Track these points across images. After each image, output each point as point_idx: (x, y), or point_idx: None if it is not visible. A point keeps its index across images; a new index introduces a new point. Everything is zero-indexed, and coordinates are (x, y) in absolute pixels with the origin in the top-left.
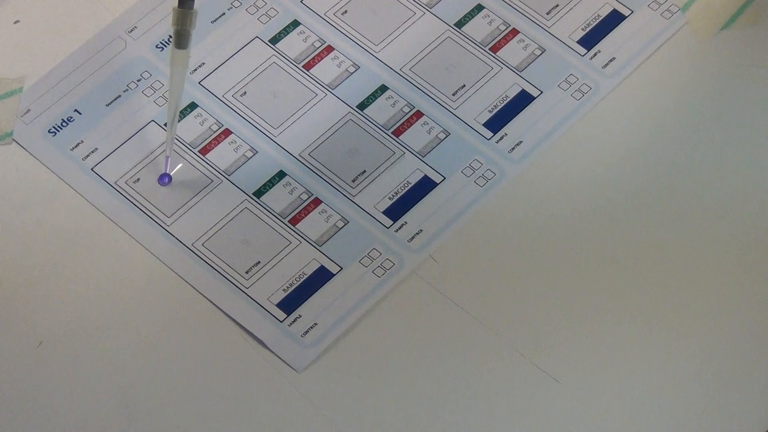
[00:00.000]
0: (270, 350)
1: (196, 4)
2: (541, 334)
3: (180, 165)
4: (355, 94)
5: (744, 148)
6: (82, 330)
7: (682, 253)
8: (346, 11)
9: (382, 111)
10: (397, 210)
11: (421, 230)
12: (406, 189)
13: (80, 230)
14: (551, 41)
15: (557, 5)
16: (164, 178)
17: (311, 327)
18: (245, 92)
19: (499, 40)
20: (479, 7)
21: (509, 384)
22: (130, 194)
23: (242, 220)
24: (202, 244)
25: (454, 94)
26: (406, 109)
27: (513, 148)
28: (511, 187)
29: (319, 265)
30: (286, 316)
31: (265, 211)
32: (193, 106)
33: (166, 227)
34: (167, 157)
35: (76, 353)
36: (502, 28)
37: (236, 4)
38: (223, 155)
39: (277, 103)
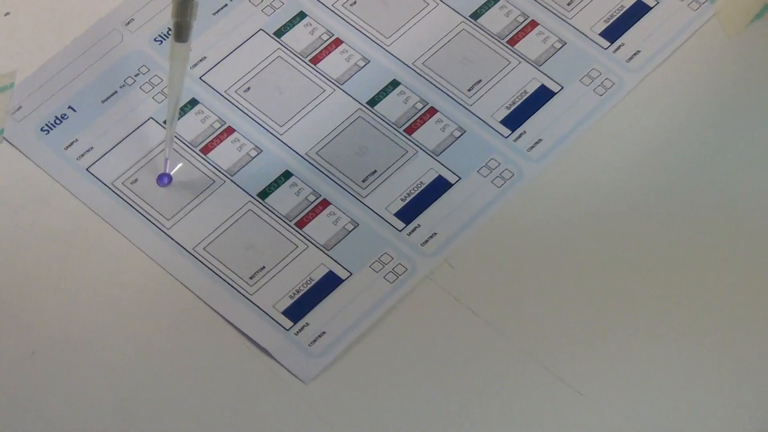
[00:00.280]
0: (275, 360)
1: None
2: (564, 344)
3: (180, 165)
4: (365, 89)
5: None
6: (77, 339)
7: (713, 259)
8: (355, 2)
9: (393, 107)
10: (409, 212)
11: (435, 233)
12: (419, 190)
13: (75, 234)
14: (572, 34)
15: None
16: (163, 179)
17: (319, 336)
18: (249, 88)
19: (518, 33)
20: None
21: (530, 397)
22: (127, 196)
23: (246, 223)
24: (204, 249)
25: (469, 90)
26: (419, 106)
27: (532, 147)
28: (530, 188)
29: (328, 270)
30: (292, 324)
31: (270, 214)
32: (193, 102)
33: (165, 230)
34: (166, 157)
35: (71, 363)
36: (521, 19)
37: None
38: (225, 154)
39: (282, 100)
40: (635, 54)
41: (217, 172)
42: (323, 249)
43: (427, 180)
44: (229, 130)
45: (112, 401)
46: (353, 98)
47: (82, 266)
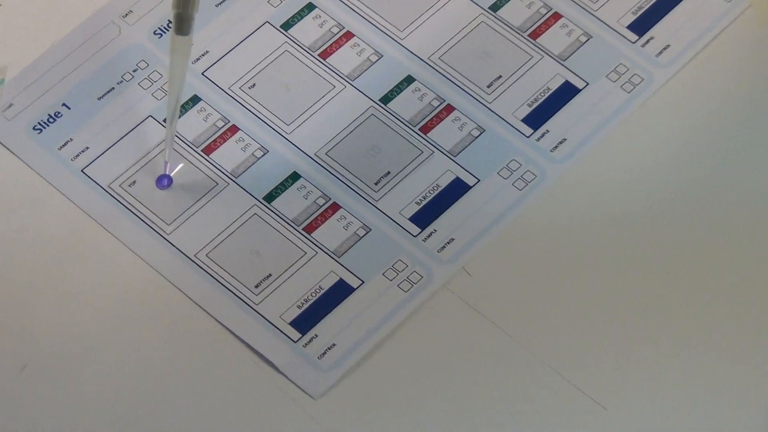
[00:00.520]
0: (282, 374)
1: None
2: (588, 357)
3: (181, 166)
4: (377, 86)
5: None
6: (71, 352)
7: (748, 266)
8: None
9: (408, 105)
10: (425, 216)
11: (452, 239)
12: (436, 193)
13: (69, 239)
14: (598, 26)
15: None
16: (163, 181)
17: (329, 348)
18: (254, 84)
19: (540, 25)
20: None
21: (552, 411)
22: (125, 199)
23: (251, 228)
24: (206, 255)
25: (489, 86)
26: (435, 103)
27: (555, 147)
28: (554, 191)
29: (338, 278)
30: (300, 335)
31: (276, 218)
32: (195, 99)
33: (165, 236)
34: (166, 160)
35: (65, 379)
36: (543, 11)
37: None
38: (229, 155)
39: (290, 97)
40: (665, 48)
41: (220, 173)
42: (333, 256)
43: (444, 182)
44: (233, 129)
45: (108, 418)
46: (365, 95)
47: (77, 274)
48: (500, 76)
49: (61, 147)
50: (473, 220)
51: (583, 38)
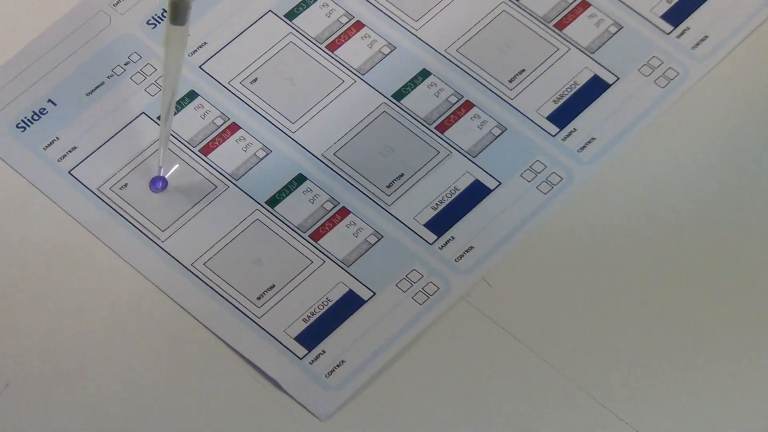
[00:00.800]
0: (287, 394)
1: None
2: (617, 374)
3: (176, 167)
4: (390, 80)
5: None
6: (58, 369)
7: None
8: None
9: (423, 101)
10: (441, 222)
11: (471, 247)
12: (453, 197)
13: (55, 247)
14: (630, 16)
15: None
16: (157, 183)
17: (337, 365)
18: (256, 78)
19: (567, 15)
20: None
21: None
22: (115, 203)
23: (253, 235)
24: (204, 264)
25: (511, 81)
26: (453, 99)
27: (583, 147)
28: (581, 194)
29: (347, 289)
30: (306, 352)
31: (280, 224)
32: (192, 95)
33: (159, 243)
34: (160, 163)
35: (50, 398)
36: (570, 0)
37: None
38: (229, 155)
39: (294, 92)
40: (702, 39)
41: (219, 175)
42: (342, 265)
43: (462, 185)
44: (233, 128)
45: None
46: (376, 90)
47: (64, 285)
48: (523, 70)
49: (46, 147)
50: (494, 226)
51: (614, 29)
